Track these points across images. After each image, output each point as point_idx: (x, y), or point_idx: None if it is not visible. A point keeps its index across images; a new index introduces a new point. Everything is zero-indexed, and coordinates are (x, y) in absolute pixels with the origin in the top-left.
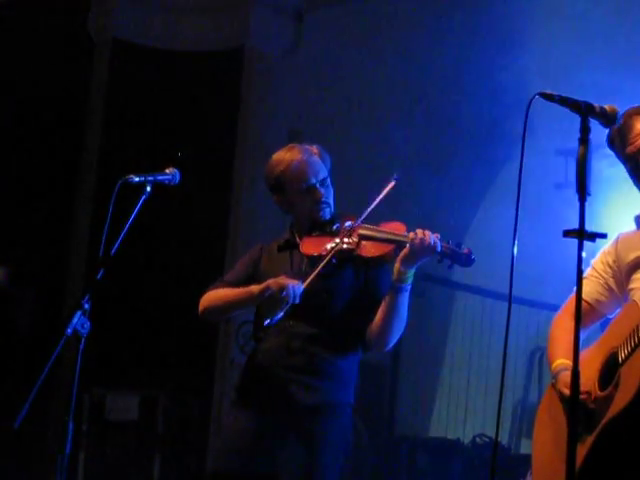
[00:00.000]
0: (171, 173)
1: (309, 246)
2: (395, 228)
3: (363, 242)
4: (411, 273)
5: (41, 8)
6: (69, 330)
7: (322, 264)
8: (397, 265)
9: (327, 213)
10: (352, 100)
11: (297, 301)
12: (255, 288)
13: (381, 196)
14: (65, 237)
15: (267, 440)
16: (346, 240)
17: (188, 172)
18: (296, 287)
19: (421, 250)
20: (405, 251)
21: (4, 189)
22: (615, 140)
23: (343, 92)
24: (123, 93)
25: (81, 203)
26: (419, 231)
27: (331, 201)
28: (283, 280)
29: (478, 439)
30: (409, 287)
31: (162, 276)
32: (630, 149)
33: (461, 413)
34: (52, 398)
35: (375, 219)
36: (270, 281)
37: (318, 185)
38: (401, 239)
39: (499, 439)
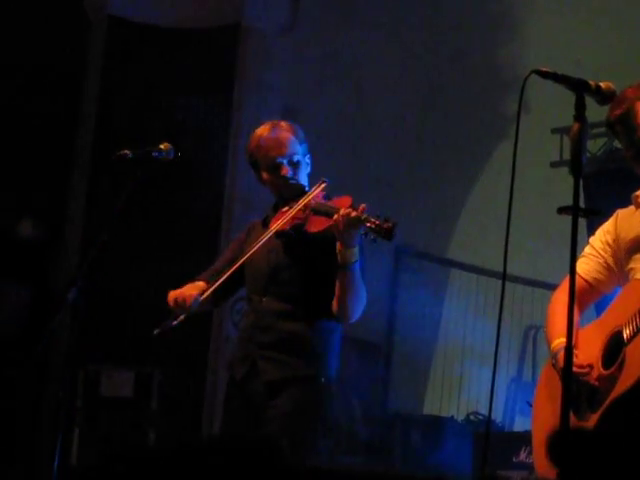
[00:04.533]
0: (165, 149)
1: (273, 222)
2: (341, 203)
3: (311, 216)
4: (352, 252)
5: None
6: (69, 298)
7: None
8: (337, 245)
9: (295, 190)
10: (348, 78)
11: (192, 312)
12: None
13: (307, 199)
14: (61, 212)
15: (246, 417)
16: (299, 215)
17: (183, 150)
18: (186, 297)
19: (343, 226)
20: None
21: None
22: (617, 125)
23: (339, 70)
24: (119, 70)
25: (77, 179)
26: (342, 208)
27: (301, 178)
28: (178, 291)
29: (472, 416)
30: (356, 266)
31: (157, 252)
32: (636, 136)
33: (455, 390)
34: (47, 374)
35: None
36: (170, 292)
37: (285, 162)
38: (334, 214)
39: (493, 416)
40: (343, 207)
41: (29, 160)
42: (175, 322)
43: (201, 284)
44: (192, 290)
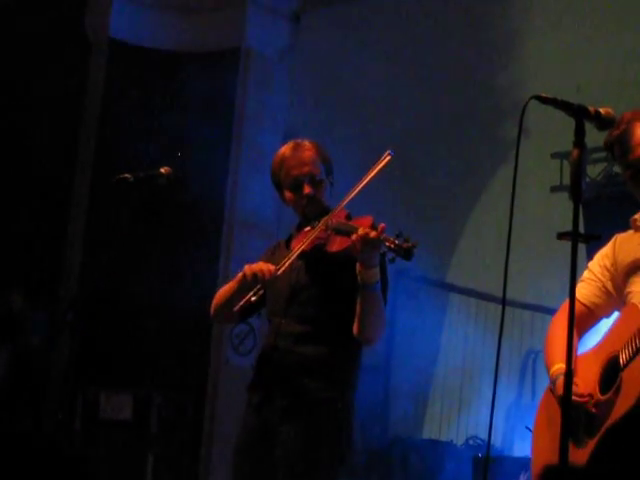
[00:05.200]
0: (166, 172)
1: (296, 242)
2: (361, 223)
3: (333, 236)
4: (373, 272)
5: (37, 8)
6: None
7: (293, 257)
8: (357, 265)
9: (316, 209)
10: (348, 101)
11: (267, 285)
12: (241, 273)
13: (374, 172)
14: (61, 234)
15: (260, 441)
16: (321, 235)
17: (183, 173)
18: (264, 270)
19: (362, 246)
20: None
21: None
22: (614, 146)
23: (339, 92)
24: (120, 93)
25: (76, 202)
26: (361, 228)
27: (323, 197)
28: (255, 265)
29: (471, 441)
30: (377, 286)
31: (157, 274)
32: (632, 156)
33: (454, 415)
34: (46, 396)
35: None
36: (246, 266)
37: (307, 181)
38: (353, 233)
39: (492, 441)
40: (363, 226)
41: (29, 183)
42: (255, 297)
43: None
44: (269, 264)
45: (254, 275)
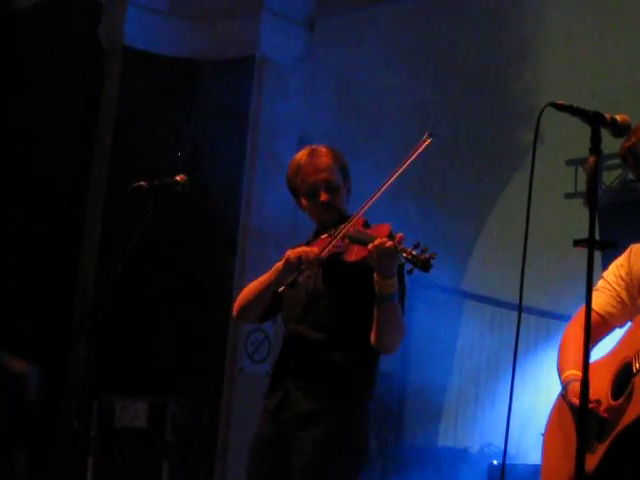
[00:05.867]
0: (181, 181)
1: (315, 247)
2: (379, 231)
3: (351, 245)
4: (390, 282)
5: (52, 16)
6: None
7: (333, 242)
8: (375, 275)
9: (333, 216)
10: (362, 108)
11: (312, 266)
12: (279, 262)
13: (414, 155)
14: (76, 243)
15: (276, 447)
16: (339, 243)
17: (198, 182)
18: (308, 252)
19: (378, 256)
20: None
21: (14, 195)
22: (628, 157)
23: (353, 100)
24: (134, 101)
25: (91, 209)
26: (378, 238)
27: (340, 204)
28: (297, 248)
29: (486, 448)
30: (394, 296)
31: (172, 284)
32: None
33: (469, 422)
34: (62, 404)
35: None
36: (289, 251)
37: (323, 187)
38: (370, 242)
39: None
40: (380, 236)
41: (43, 191)
42: (302, 278)
43: None
44: (311, 247)
45: (299, 258)
